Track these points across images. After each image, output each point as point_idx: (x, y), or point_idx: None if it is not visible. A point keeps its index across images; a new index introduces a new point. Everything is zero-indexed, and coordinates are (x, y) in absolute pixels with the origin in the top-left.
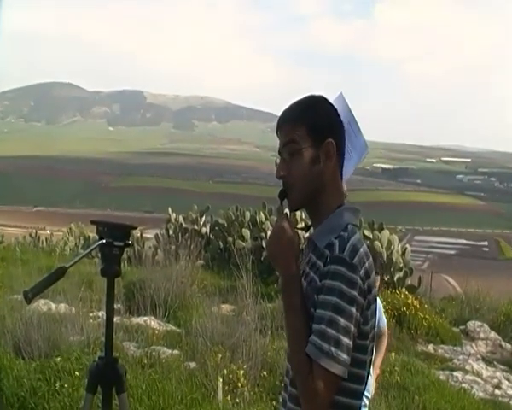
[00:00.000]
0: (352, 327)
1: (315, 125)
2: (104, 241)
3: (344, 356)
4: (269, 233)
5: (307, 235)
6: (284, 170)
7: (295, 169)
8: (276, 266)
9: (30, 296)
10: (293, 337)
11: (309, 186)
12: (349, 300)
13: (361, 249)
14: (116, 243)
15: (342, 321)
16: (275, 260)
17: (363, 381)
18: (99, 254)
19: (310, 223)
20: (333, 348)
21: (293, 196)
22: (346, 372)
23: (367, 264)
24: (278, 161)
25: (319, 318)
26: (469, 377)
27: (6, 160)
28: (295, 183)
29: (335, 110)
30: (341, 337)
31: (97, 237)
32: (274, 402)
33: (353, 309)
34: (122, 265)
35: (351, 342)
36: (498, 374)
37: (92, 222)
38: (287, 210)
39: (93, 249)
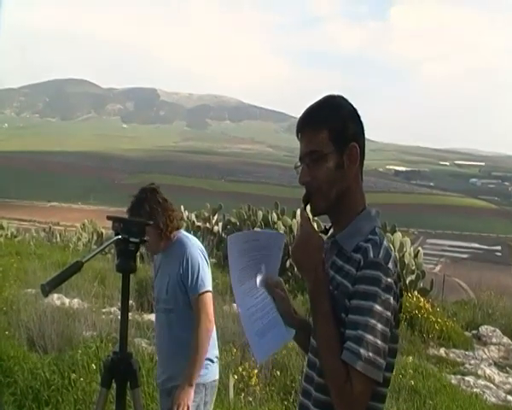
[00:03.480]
0: (388, 331)
1: (338, 131)
2: (120, 237)
3: (381, 361)
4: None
5: (327, 238)
6: (308, 176)
7: (320, 175)
8: (303, 273)
9: (47, 289)
10: (326, 344)
11: (334, 191)
12: (385, 305)
13: (392, 253)
14: (132, 240)
15: (379, 326)
16: (302, 266)
17: (389, 384)
18: (112, 250)
19: (327, 226)
20: (371, 354)
21: (318, 201)
22: (381, 377)
23: (398, 267)
24: (298, 164)
25: (354, 323)
26: (481, 382)
27: (21, 155)
28: (320, 188)
29: (355, 111)
30: (379, 343)
31: (113, 232)
32: (285, 402)
33: (389, 314)
34: None
35: (387, 347)
36: (511, 380)
37: (108, 218)
38: (310, 215)
39: (109, 245)
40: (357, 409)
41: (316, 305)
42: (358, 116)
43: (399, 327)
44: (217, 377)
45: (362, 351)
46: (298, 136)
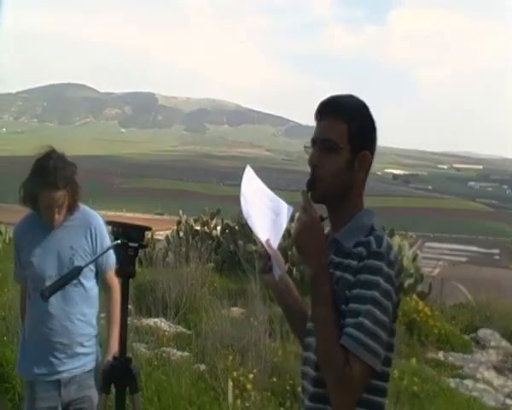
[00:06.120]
0: (388, 322)
1: (358, 133)
2: (119, 241)
3: (380, 350)
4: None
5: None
6: (318, 161)
7: (328, 165)
8: (305, 258)
9: (47, 294)
10: (325, 329)
11: (337, 187)
12: (386, 294)
13: (393, 249)
14: (131, 244)
15: (380, 315)
16: (305, 251)
17: (388, 379)
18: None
19: (323, 216)
20: (370, 341)
21: (320, 189)
22: (379, 366)
23: (398, 264)
24: (309, 145)
25: (355, 311)
26: (480, 385)
27: (19, 160)
28: (325, 178)
29: (374, 121)
30: (379, 331)
31: (112, 237)
32: (282, 408)
33: (389, 304)
34: None
35: (385, 336)
36: (510, 383)
37: (108, 223)
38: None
39: (108, 250)
40: (355, 395)
41: (316, 290)
42: (376, 128)
43: (395, 322)
44: None
45: (361, 337)
46: (317, 117)
